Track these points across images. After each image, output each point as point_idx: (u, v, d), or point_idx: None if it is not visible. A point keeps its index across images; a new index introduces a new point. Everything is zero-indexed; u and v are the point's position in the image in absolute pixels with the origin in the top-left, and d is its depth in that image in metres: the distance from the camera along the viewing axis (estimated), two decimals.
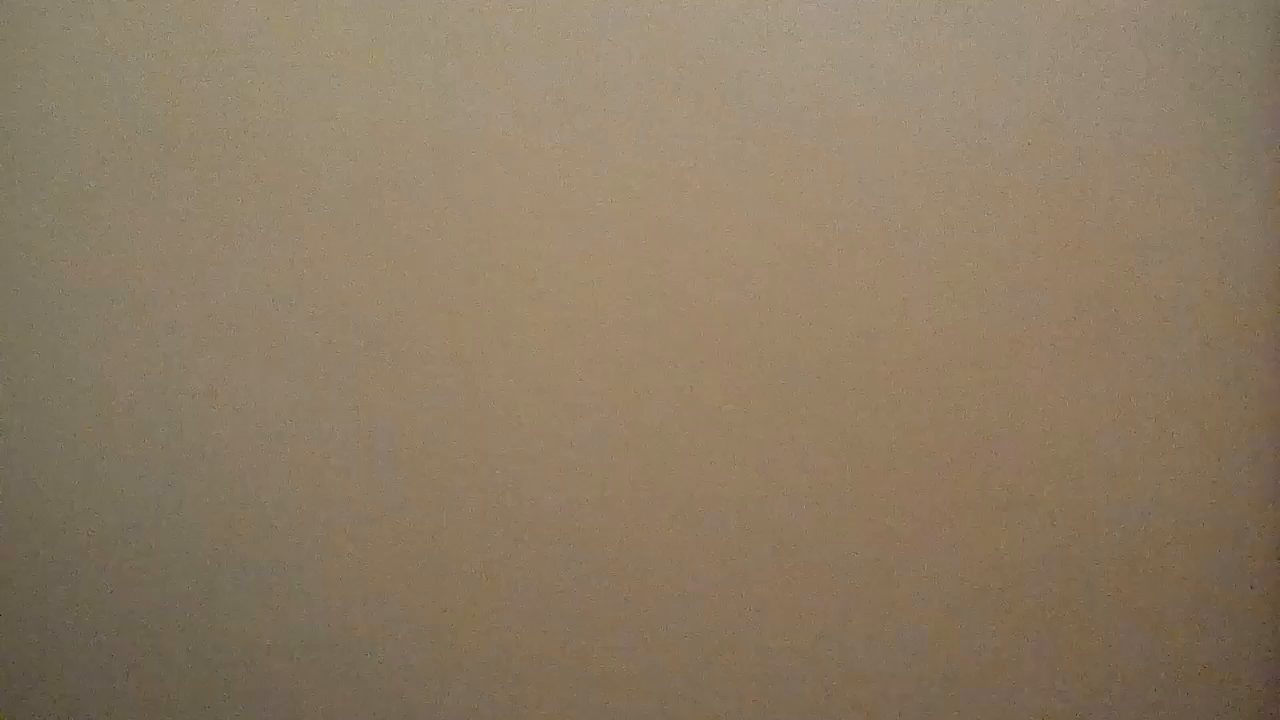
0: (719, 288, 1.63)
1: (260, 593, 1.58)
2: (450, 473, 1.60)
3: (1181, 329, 1.67)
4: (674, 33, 1.62)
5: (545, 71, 1.60)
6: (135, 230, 1.57)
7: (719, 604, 1.63)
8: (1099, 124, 1.66)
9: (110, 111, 1.57)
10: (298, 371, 1.58)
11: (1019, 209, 1.65)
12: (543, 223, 1.61)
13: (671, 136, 1.62)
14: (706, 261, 1.62)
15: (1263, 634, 1.68)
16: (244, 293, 1.58)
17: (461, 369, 1.60)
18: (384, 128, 1.59)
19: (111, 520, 1.57)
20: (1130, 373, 1.67)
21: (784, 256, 1.63)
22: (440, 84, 1.60)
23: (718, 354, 1.63)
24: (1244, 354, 1.68)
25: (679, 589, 1.63)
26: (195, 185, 1.57)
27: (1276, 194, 1.68)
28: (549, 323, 1.61)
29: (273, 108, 1.58)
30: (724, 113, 1.62)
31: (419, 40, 1.59)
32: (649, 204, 1.62)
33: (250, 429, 1.58)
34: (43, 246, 1.56)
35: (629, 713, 1.62)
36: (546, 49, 1.60)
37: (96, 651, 1.57)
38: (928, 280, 1.64)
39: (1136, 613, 1.67)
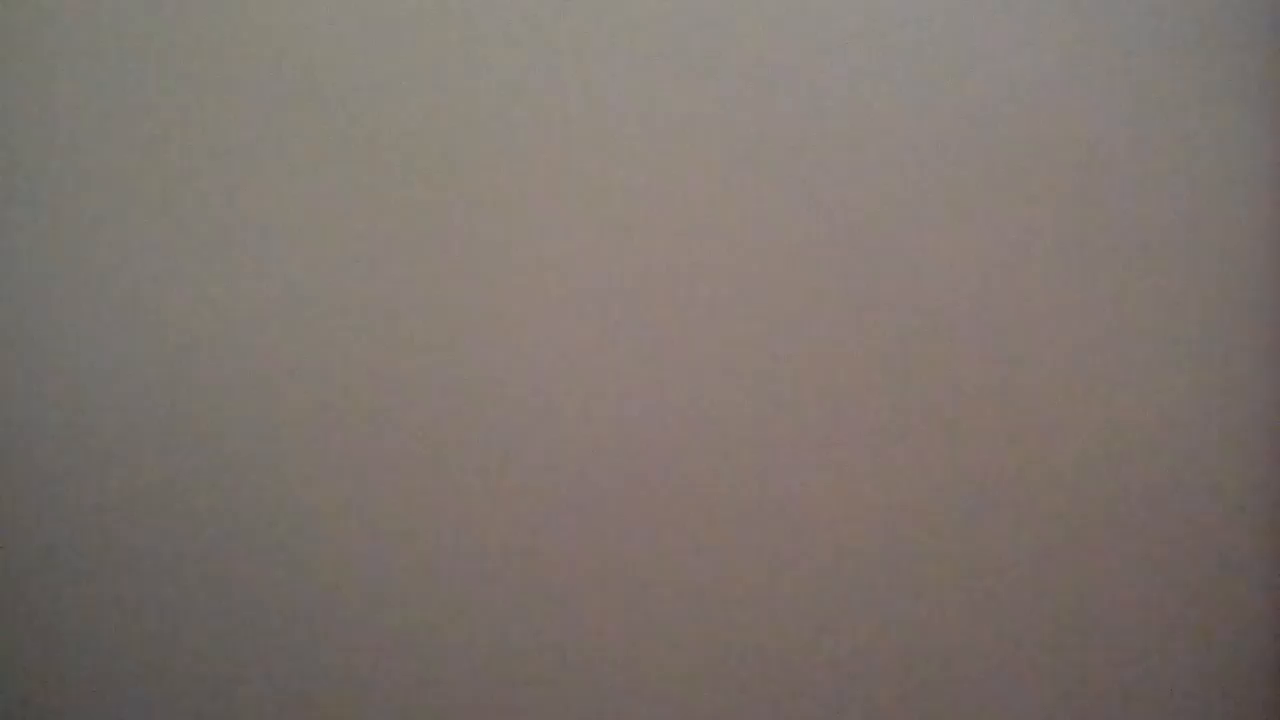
0: (732, 275, 1.63)
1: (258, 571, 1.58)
2: (450, 462, 1.60)
3: (1184, 326, 1.67)
4: (681, 21, 1.62)
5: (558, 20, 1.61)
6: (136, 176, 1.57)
7: (719, 597, 1.63)
8: (1101, 120, 1.66)
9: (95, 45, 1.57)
10: (300, 361, 1.59)
11: (1024, 205, 1.65)
12: (551, 187, 1.61)
13: (694, 124, 1.62)
14: (718, 248, 1.62)
15: (1264, 633, 1.68)
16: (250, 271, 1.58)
17: (464, 358, 1.60)
18: (382, 115, 1.59)
19: (121, 518, 1.57)
20: (1132, 367, 1.67)
21: (786, 248, 1.63)
22: (438, 58, 1.60)
23: (723, 346, 1.63)
24: (1246, 349, 1.68)
25: (676, 581, 1.62)
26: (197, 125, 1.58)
27: (1277, 190, 1.69)
28: (553, 297, 1.61)
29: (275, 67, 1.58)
30: (741, 101, 1.62)
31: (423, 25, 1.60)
32: (660, 186, 1.62)
33: (253, 425, 1.58)
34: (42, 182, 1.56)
35: (631, 708, 1.62)
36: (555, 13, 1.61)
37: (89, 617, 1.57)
38: (928, 275, 1.64)
39: (1137, 608, 1.67)
